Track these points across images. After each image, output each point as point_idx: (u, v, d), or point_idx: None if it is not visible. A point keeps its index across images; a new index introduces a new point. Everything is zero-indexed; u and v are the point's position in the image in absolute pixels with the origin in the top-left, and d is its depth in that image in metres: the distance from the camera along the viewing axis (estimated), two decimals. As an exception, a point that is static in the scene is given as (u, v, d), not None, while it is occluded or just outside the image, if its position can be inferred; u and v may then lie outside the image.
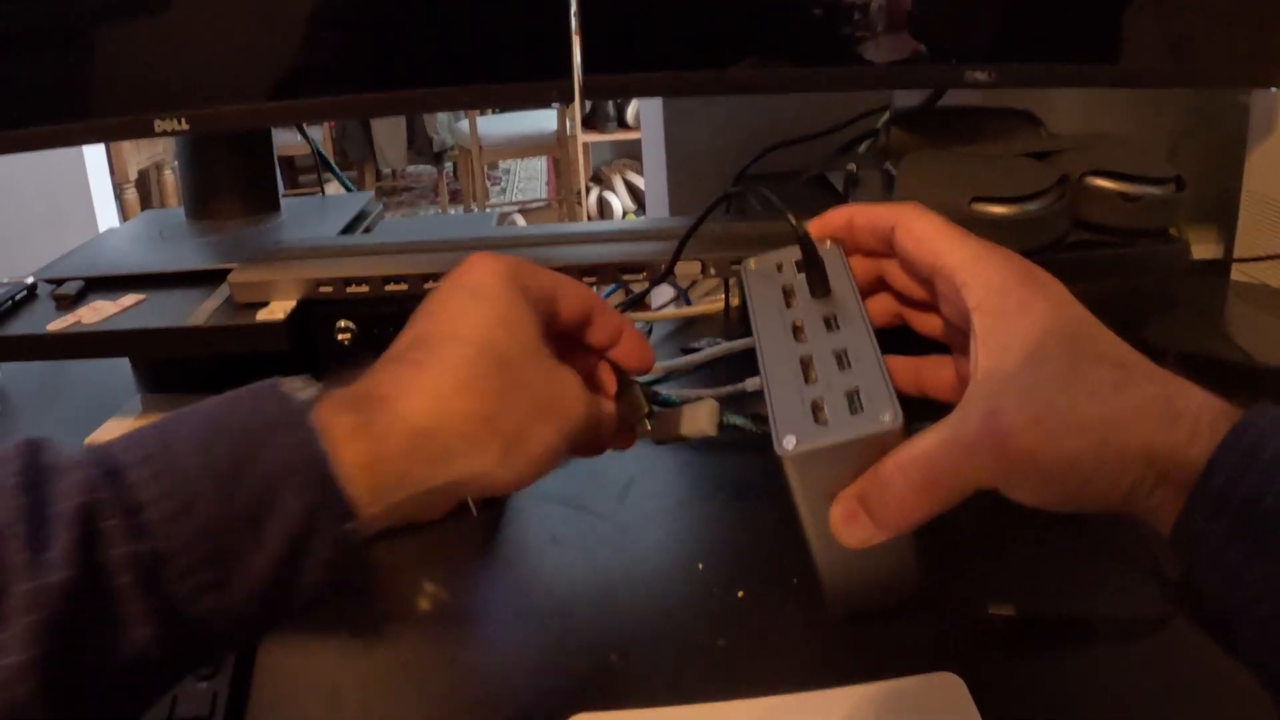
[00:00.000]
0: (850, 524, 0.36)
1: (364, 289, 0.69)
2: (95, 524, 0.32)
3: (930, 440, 0.35)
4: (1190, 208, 0.73)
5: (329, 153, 4.12)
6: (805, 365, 0.39)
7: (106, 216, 2.13)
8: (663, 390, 0.75)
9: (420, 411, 0.37)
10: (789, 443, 0.35)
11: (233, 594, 0.34)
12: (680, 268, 0.68)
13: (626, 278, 0.70)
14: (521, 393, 0.39)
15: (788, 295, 0.43)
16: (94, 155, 2.12)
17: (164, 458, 0.34)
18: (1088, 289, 0.78)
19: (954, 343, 0.44)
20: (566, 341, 0.45)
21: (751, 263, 0.46)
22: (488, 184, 4.64)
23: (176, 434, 0.35)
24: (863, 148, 0.93)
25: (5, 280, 0.74)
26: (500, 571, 0.60)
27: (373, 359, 0.40)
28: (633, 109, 3.88)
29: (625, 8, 0.73)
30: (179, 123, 0.72)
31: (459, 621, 0.56)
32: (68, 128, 0.72)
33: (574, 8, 0.71)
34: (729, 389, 0.74)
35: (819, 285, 0.42)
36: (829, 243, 0.44)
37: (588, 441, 0.44)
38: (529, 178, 5.06)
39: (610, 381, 0.47)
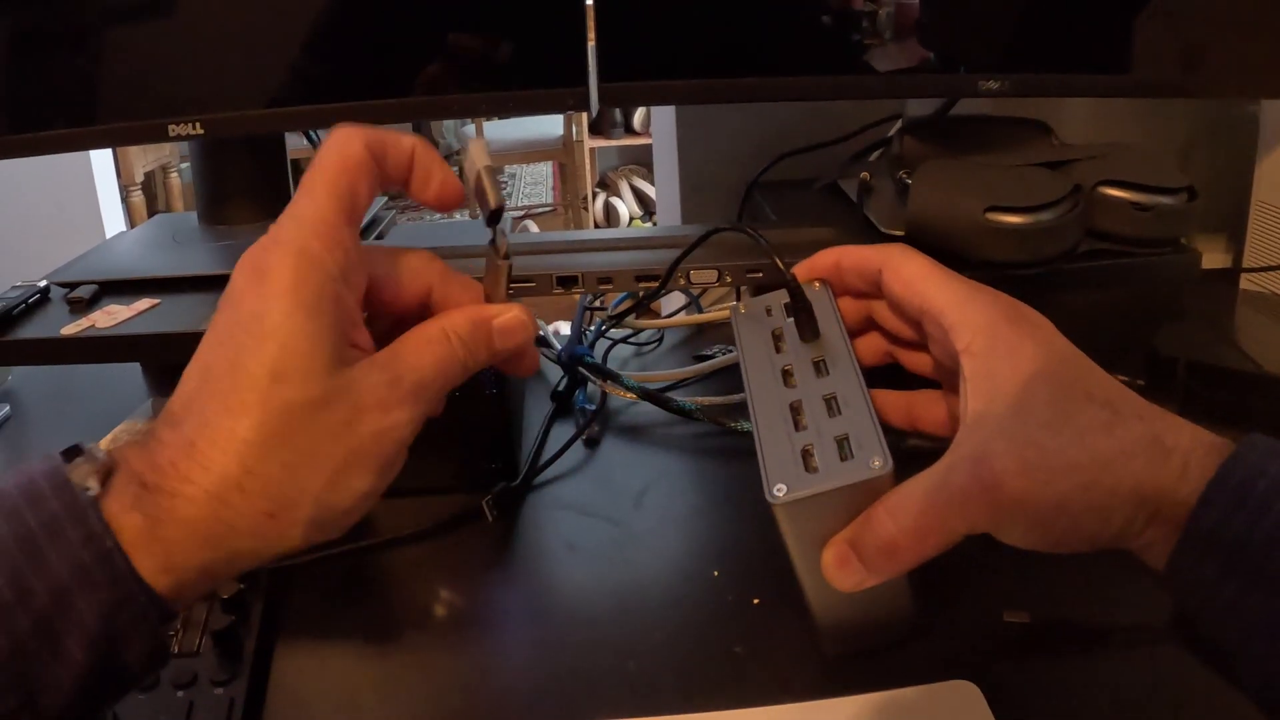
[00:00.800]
0: (843, 568, 0.36)
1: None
2: None
3: (921, 487, 0.35)
4: (1200, 217, 0.73)
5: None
6: (795, 411, 0.39)
7: (113, 219, 2.13)
8: (676, 398, 0.75)
9: (202, 516, 0.33)
10: (780, 490, 0.36)
11: (46, 712, 0.31)
12: (695, 275, 0.68)
13: (642, 286, 0.70)
14: (310, 469, 0.34)
15: (777, 339, 0.43)
16: (100, 158, 2.11)
17: None
18: (1099, 298, 0.78)
19: (945, 380, 0.44)
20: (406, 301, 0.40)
21: (741, 306, 0.46)
22: (493, 189, 4.63)
23: None
24: (875, 156, 0.93)
25: (18, 283, 0.74)
26: (516, 578, 0.60)
27: None
28: (639, 115, 3.88)
29: (640, 16, 0.73)
30: (193, 127, 0.72)
31: (474, 628, 0.56)
32: (81, 132, 0.72)
33: (590, 15, 0.71)
34: (740, 396, 0.73)
35: (808, 329, 0.42)
36: (818, 284, 0.45)
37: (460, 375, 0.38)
38: (535, 182, 5.06)
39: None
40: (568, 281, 0.69)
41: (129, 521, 0.32)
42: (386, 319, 0.40)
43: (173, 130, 0.72)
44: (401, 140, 0.38)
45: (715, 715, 0.48)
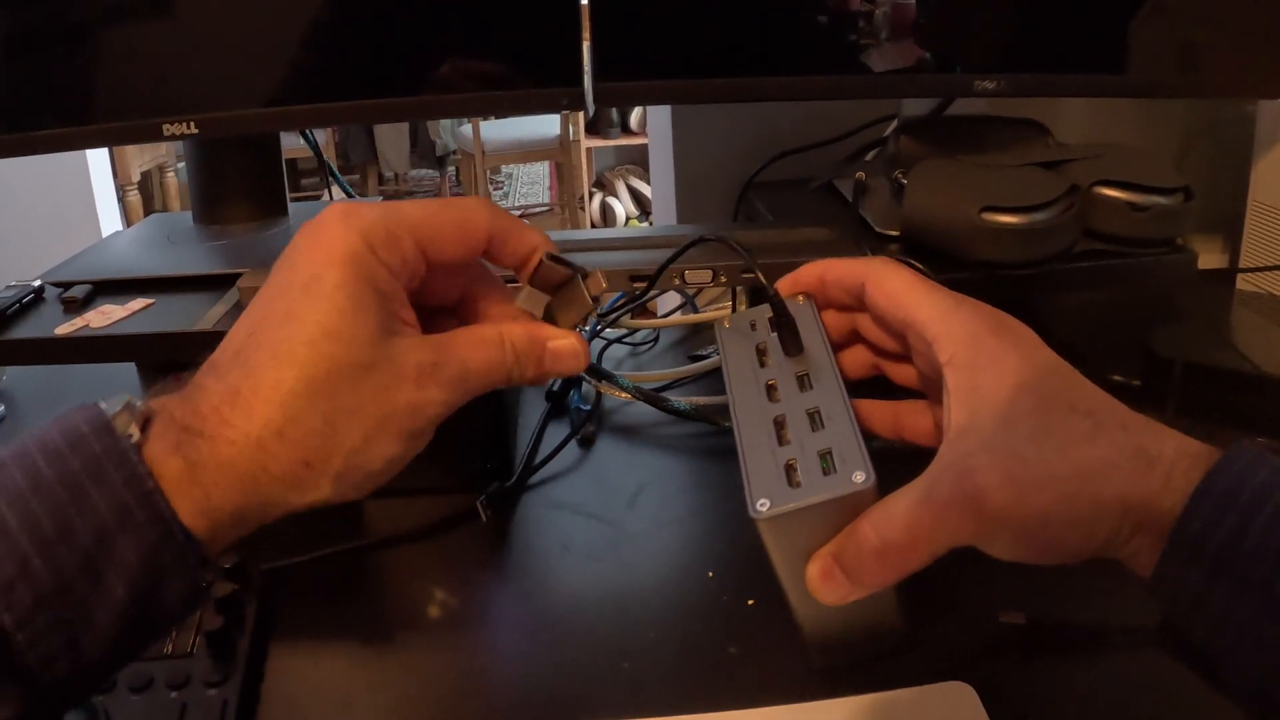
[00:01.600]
0: (827, 582, 0.36)
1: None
2: None
3: (905, 501, 0.35)
4: (1196, 217, 0.73)
5: (331, 156, 4.13)
6: (779, 426, 0.39)
7: (109, 219, 2.13)
8: (671, 398, 0.75)
9: (241, 459, 0.35)
10: (762, 505, 0.36)
11: (86, 651, 0.32)
12: (689, 275, 0.68)
13: (636, 286, 0.70)
14: (347, 425, 0.36)
15: (761, 354, 0.44)
16: (97, 157, 2.11)
17: None
18: (1095, 298, 0.78)
19: (931, 392, 0.43)
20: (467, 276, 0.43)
21: (726, 321, 0.47)
22: (490, 188, 4.64)
23: None
24: (870, 156, 0.93)
25: (12, 283, 0.74)
26: (510, 579, 0.60)
27: None
28: (636, 115, 3.89)
29: (635, 15, 0.73)
30: (187, 126, 0.72)
31: (468, 628, 0.56)
32: (76, 131, 0.72)
33: (585, 15, 0.71)
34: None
35: (792, 344, 0.42)
36: (802, 298, 0.45)
37: (510, 379, 0.40)
38: (531, 182, 5.06)
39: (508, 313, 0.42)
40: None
41: (170, 465, 0.34)
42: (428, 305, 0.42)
43: (167, 130, 0.72)
44: (528, 237, 0.42)
45: (709, 716, 0.48)
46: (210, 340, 0.69)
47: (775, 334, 0.43)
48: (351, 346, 0.36)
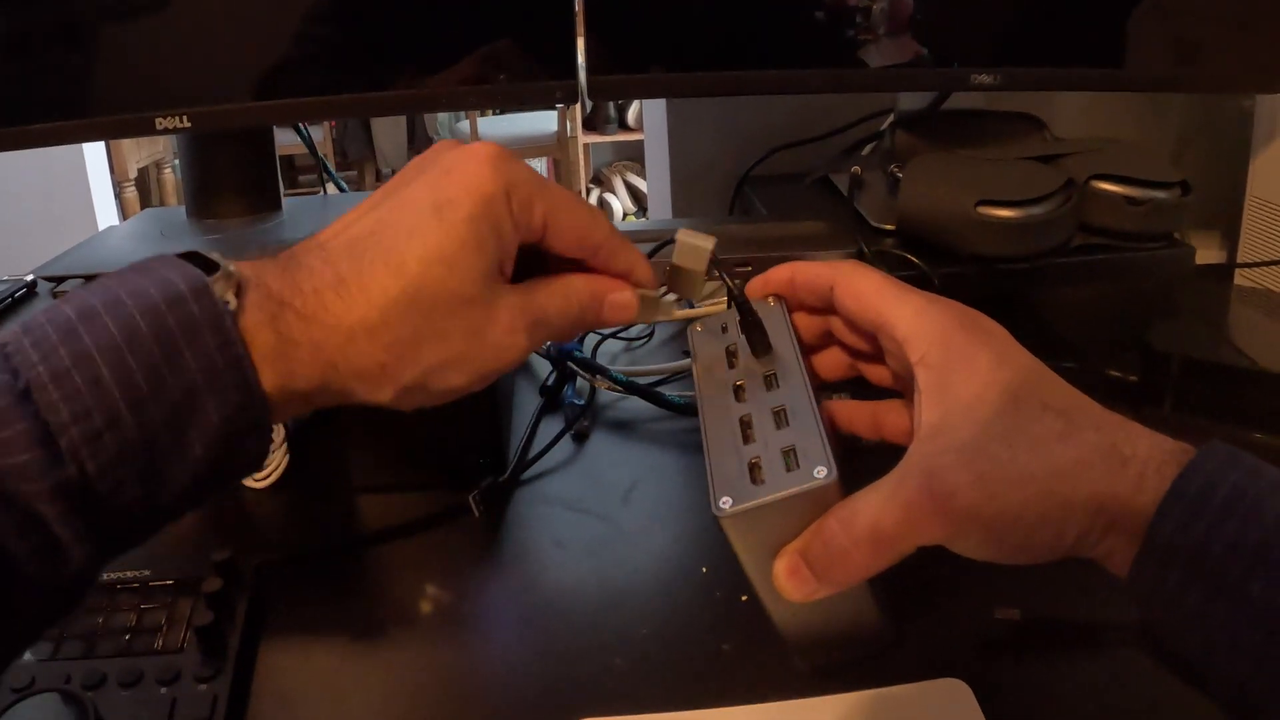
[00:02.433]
0: (793, 578, 0.36)
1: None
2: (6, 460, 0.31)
3: (873, 499, 0.35)
4: (1194, 212, 0.73)
5: (329, 152, 4.12)
6: (745, 425, 0.39)
7: (106, 214, 2.13)
8: (666, 392, 0.75)
9: (329, 344, 0.37)
10: (725, 504, 0.36)
11: (159, 502, 0.34)
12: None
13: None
14: (433, 345, 0.38)
15: (731, 356, 0.44)
16: (94, 153, 2.11)
17: (75, 375, 0.32)
18: (1092, 293, 0.78)
19: (906, 391, 0.43)
20: None
21: (698, 325, 0.47)
22: (487, 184, 4.63)
23: (85, 347, 0.33)
24: (867, 150, 0.93)
25: (5, 278, 0.74)
26: (503, 575, 0.60)
27: None
28: (634, 110, 3.88)
29: (630, 8, 0.73)
30: (180, 120, 0.71)
31: (461, 625, 0.56)
32: (69, 125, 0.72)
33: (579, 8, 0.71)
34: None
35: (759, 345, 0.42)
36: (772, 300, 0.44)
37: (569, 329, 0.43)
38: (529, 178, 5.05)
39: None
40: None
41: (261, 337, 0.35)
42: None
43: (160, 123, 0.71)
44: (625, 257, 0.43)
45: (703, 713, 0.48)
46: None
47: (744, 335, 0.43)
48: (462, 278, 0.37)
